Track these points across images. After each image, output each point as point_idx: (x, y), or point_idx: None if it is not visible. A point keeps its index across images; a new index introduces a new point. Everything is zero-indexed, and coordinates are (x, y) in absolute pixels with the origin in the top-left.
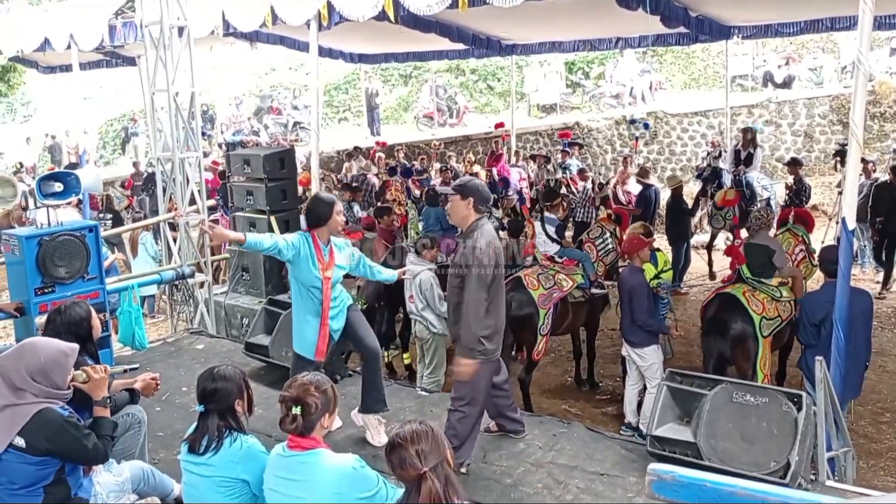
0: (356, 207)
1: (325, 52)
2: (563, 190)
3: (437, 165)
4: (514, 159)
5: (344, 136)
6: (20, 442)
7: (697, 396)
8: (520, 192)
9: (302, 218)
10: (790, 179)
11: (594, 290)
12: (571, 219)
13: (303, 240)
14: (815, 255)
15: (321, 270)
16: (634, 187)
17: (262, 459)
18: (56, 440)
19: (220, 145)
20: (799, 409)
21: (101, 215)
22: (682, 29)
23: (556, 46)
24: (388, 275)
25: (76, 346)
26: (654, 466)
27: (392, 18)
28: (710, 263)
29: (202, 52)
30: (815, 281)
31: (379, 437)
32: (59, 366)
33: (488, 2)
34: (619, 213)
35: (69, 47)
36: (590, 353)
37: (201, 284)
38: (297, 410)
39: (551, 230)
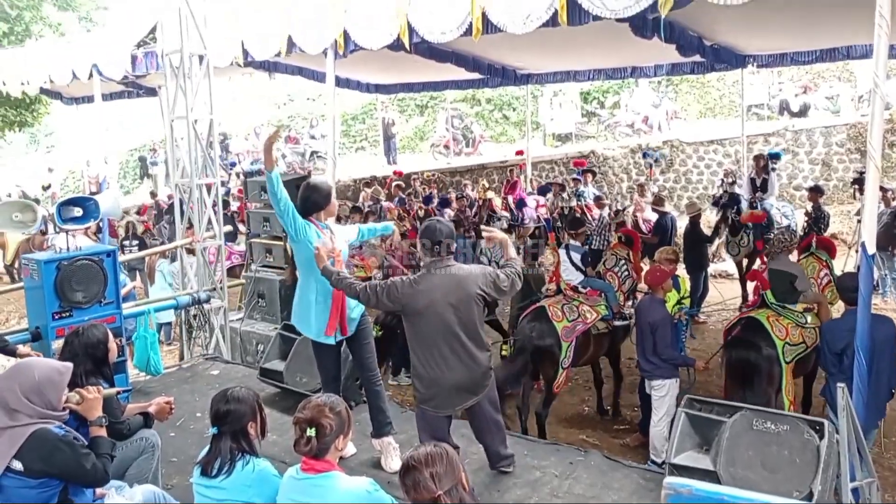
0: None
1: (341, 83)
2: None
3: (452, 194)
4: (529, 187)
5: (361, 165)
6: (18, 465)
7: (717, 424)
8: (547, 220)
9: None
10: (809, 207)
11: (616, 322)
12: (588, 246)
13: (306, 223)
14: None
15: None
16: (652, 215)
17: (274, 483)
18: (51, 460)
19: (237, 175)
20: (821, 438)
21: (128, 241)
22: (697, 58)
23: (571, 75)
24: (385, 225)
25: (70, 365)
26: (671, 480)
27: (407, 47)
28: (745, 297)
29: (222, 82)
30: (837, 310)
31: (393, 462)
32: (53, 384)
33: (502, 29)
34: (629, 235)
35: (91, 77)
36: (616, 378)
37: (217, 310)
38: (311, 432)
39: (577, 258)
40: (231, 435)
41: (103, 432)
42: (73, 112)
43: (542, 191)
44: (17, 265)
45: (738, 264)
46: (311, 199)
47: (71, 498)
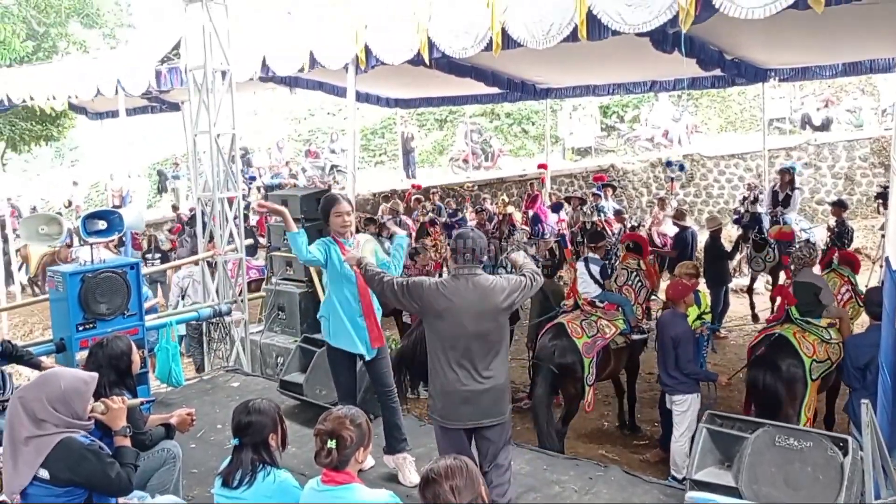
0: (386, 245)
1: (361, 97)
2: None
3: (470, 207)
4: (548, 201)
5: (380, 179)
6: (44, 473)
7: (739, 440)
8: (562, 236)
9: None
10: (832, 221)
11: (634, 336)
12: (608, 261)
13: (325, 243)
14: (862, 297)
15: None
16: (670, 229)
17: (294, 494)
18: (77, 468)
19: (258, 189)
20: (845, 454)
21: (150, 255)
22: (717, 72)
23: (590, 90)
24: (401, 235)
25: (96, 375)
26: (694, 494)
27: (427, 62)
28: (752, 306)
29: (244, 96)
30: (859, 325)
31: (410, 476)
32: (78, 394)
33: (522, 44)
34: (635, 240)
35: (117, 93)
36: (630, 396)
37: (238, 322)
38: (332, 444)
39: (596, 270)
40: (252, 446)
41: (127, 442)
42: (98, 127)
43: (555, 208)
44: (39, 278)
45: (754, 278)
46: (322, 211)
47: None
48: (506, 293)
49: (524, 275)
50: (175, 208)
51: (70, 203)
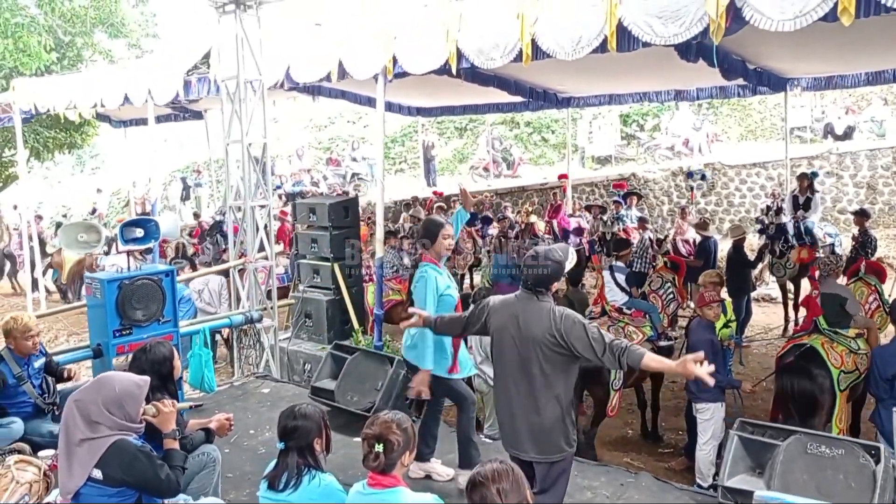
0: (405, 259)
1: (384, 106)
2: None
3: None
4: (570, 210)
5: (401, 187)
6: (98, 474)
7: (770, 447)
8: (590, 243)
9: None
10: (856, 231)
11: (661, 343)
12: (630, 268)
13: (433, 272)
14: (889, 307)
15: (454, 289)
16: (692, 236)
17: (339, 497)
18: (130, 469)
19: (280, 196)
20: (877, 462)
21: (178, 261)
22: (740, 81)
23: (613, 99)
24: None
25: (148, 378)
26: (762, 493)
27: (454, 72)
28: (786, 320)
29: (267, 104)
30: (885, 336)
31: (443, 470)
32: (132, 397)
33: (551, 55)
34: (675, 261)
35: (146, 102)
36: (654, 405)
37: (267, 329)
38: (379, 448)
39: (621, 279)
40: (297, 450)
41: (176, 445)
42: (120, 134)
43: (576, 232)
44: (69, 285)
45: (783, 287)
46: (429, 231)
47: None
48: (553, 329)
49: (597, 339)
50: (196, 216)
51: (94, 210)
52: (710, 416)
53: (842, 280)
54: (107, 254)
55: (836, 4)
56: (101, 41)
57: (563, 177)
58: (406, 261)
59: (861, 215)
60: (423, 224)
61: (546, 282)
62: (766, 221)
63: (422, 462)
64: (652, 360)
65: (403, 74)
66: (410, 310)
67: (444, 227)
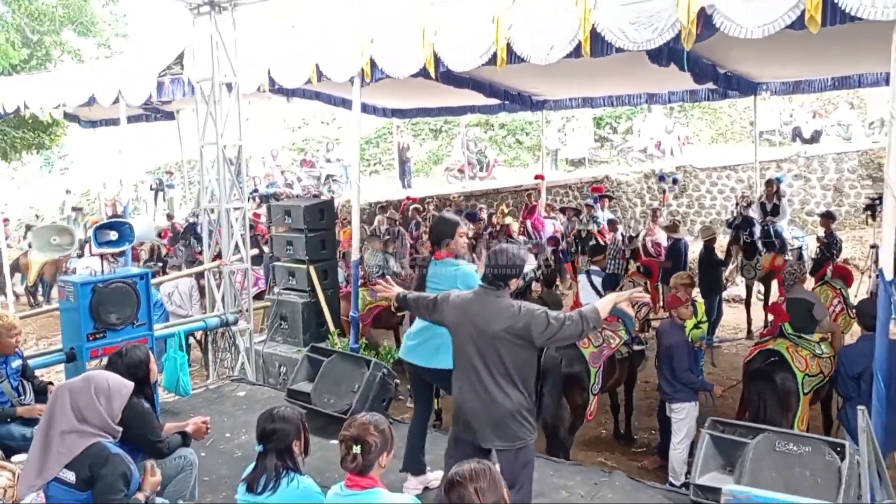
0: (391, 262)
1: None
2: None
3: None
4: (544, 212)
5: (375, 189)
6: (69, 477)
7: (740, 445)
8: (564, 252)
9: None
10: (821, 232)
11: (635, 346)
12: (605, 272)
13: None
14: (853, 309)
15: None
16: (663, 239)
17: (318, 499)
18: (98, 474)
19: (253, 198)
20: (842, 459)
21: (152, 263)
22: (711, 85)
23: (586, 102)
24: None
25: (132, 384)
26: (731, 488)
27: (433, 75)
28: (749, 321)
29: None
30: (851, 335)
31: (440, 475)
32: (120, 394)
33: (525, 60)
34: (647, 266)
35: (116, 102)
36: (628, 406)
37: (243, 332)
38: (357, 449)
39: (598, 282)
40: (276, 453)
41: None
42: (90, 135)
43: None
44: (39, 288)
45: (749, 288)
46: (437, 230)
47: None
48: (509, 324)
49: (557, 317)
50: (170, 217)
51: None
52: (684, 416)
53: (809, 283)
54: (79, 256)
55: (803, 13)
56: (70, 40)
57: (539, 177)
58: (392, 263)
59: (827, 217)
60: (436, 223)
61: (506, 278)
62: (735, 213)
63: (419, 476)
64: (604, 306)
65: (382, 77)
66: (381, 283)
67: (460, 225)
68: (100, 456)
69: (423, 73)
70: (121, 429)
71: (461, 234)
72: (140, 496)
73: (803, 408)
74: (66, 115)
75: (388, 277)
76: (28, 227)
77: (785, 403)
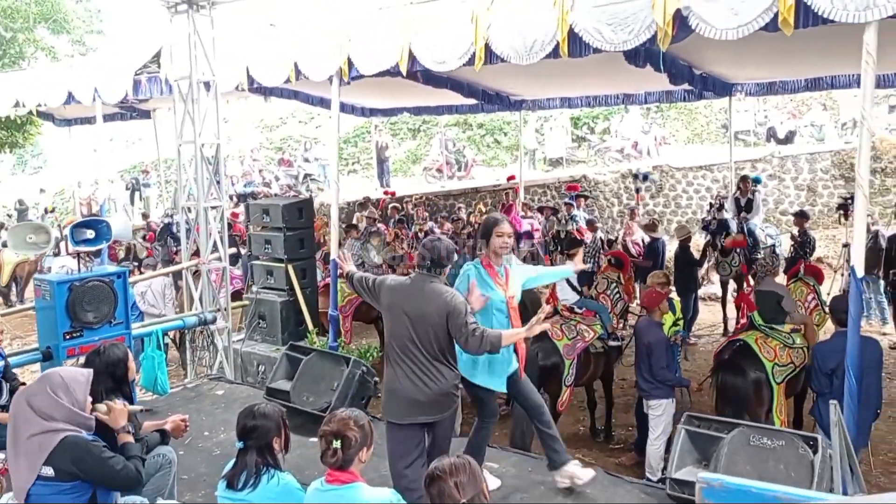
0: (372, 253)
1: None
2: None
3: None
4: (521, 211)
5: (353, 188)
6: (48, 471)
7: (715, 440)
8: (541, 244)
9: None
10: (795, 231)
11: (611, 342)
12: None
13: (469, 271)
14: (826, 306)
15: (503, 291)
16: (640, 237)
17: (298, 495)
18: (82, 463)
19: (231, 197)
20: (815, 452)
21: (128, 262)
22: (686, 86)
23: (564, 102)
24: (564, 269)
25: (91, 371)
26: (704, 475)
27: (410, 75)
28: (725, 320)
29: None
30: (825, 332)
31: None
32: (78, 383)
33: (504, 60)
34: (618, 257)
35: (94, 101)
36: (608, 402)
37: (221, 331)
38: (336, 444)
39: (573, 278)
40: (257, 449)
41: (130, 438)
42: (64, 134)
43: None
44: (13, 288)
45: (724, 285)
46: (485, 229)
47: (99, 502)
48: (445, 313)
49: (473, 332)
50: (145, 216)
51: (53, 209)
52: (661, 412)
53: (782, 279)
54: (56, 255)
55: (776, 15)
56: (44, 37)
57: (511, 178)
58: (373, 255)
59: (801, 217)
60: (481, 222)
61: (443, 266)
62: (710, 217)
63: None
64: (508, 337)
65: (359, 77)
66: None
67: (499, 224)
68: (78, 446)
69: (401, 72)
70: (92, 418)
71: (498, 233)
72: (122, 437)
73: (779, 398)
74: (40, 114)
75: (346, 253)
76: (0, 226)
77: (757, 393)
